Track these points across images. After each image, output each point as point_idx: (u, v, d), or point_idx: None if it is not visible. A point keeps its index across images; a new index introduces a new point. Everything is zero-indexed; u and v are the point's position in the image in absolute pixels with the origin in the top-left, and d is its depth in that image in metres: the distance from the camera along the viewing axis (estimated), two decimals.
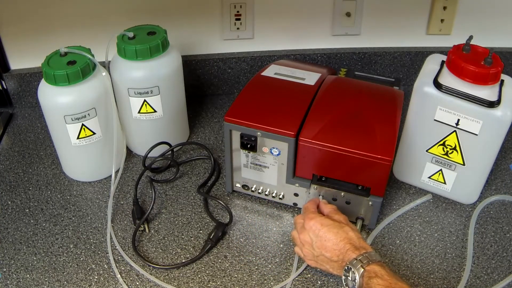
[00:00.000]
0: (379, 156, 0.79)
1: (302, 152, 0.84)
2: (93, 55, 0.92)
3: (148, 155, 0.98)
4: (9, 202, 0.95)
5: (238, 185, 0.95)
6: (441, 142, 0.88)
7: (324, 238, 0.76)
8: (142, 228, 0.89)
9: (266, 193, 0.93)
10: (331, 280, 0.81)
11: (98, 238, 0.88)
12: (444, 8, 1.15)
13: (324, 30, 1.20)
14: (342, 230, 0.76)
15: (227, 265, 0.84)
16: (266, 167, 0.90)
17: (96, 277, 0.82)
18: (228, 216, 0.90)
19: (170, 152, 1.01)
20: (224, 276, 0.82)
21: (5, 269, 0.83)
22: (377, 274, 0.69)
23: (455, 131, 0.86)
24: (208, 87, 1.24)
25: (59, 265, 0.84)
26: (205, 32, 1.18)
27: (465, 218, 0.92)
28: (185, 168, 1.03)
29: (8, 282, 0.81)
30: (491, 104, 0.80)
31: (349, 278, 0.72)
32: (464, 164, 0.89)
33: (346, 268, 0.73)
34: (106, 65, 0.97)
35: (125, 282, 0.81)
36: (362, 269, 0.71)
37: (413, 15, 1.18)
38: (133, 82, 0.94)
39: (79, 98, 0.89)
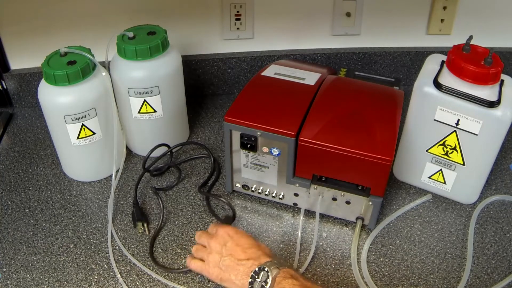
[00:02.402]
0: (379, 156, 0.79)
1: (302, 152, 0.84)
2: (93, 55, 0.92)
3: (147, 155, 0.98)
4: (9, 202, 0.95)
5: (238, 185, 0.95)
6: (441, 142, 0.88)
7: (238, 240, 0.75)
8: (141, 230, 0.89)
9: (266, 193, 0.93)
10: (331, 280, 0.81)
11: (98, 238, 0.88)
12: (444, 8, 1.16)
13: (324, 30, 1.20)
14: (255, 240, 0.76)
15: None
16: (266, 167, 0.89)
17: (96, 277, 0.82)
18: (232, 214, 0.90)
19: (169, 153, 1.01)
20: None
21: (5, 269, 0.83)
22: (292, 276, 0.67)
23: (455, 131, 0.86)
24: (208, 87, 1.24)
25: (59, 265, 0.84)
26: (205, 32, 1.18)
27: (465, 218, 0.92)
28: (185, 168, 1.03)
29: (8, 282, 0.81)
30: (491, 104, 0.80)
31: (258, 280, 0.68)
32: (464, 164, 0.89)
33: (256, 270, 0.69)
34: (106, 65, 0.97)
35: (125, 282, 0.81)
36: (277, 270, 0.68)
37: (413, 15, 1.18)
38: (133, 82, 0.94)
39: (79, 98, 0.89)
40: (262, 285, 0.68)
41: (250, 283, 0.69)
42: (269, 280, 0.67)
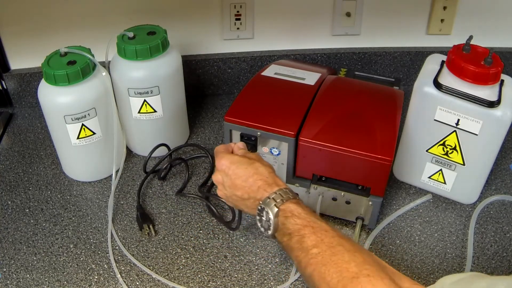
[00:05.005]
0: (379, 156, 0.79)
1: (302, 152, 0.84)
2: (93, 55, 0.92)
3: (146, 156, 0.98)
4: (9, 202, 0.95)
5: None
6: (441, 142, 0.89)
7: (234, 176, 0.72)
8: (147, 231, 0.89)
9: None
10: None
11: (98, 238, 0.88)
12: (444, 8, 1.16)
13: (324, 30, 1.20)
14: (251, 166, 0.72)
15: (227, 265, 0.84)
16: None
17: (96, 277, 0.82)
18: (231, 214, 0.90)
19: (169, 155, 1.01)
20: (224, 276, 0.82)
21: (5, 269, 0.83)
22: (293, 213, 0.65)
23: (455, 131, 0.86)
24: (208, 87, 1.24)
25: (59, 265, 0.84)
26: (205, 32, 1.18)
27: (465, 218, 0.92)
28: (184, 168, 1.03)
29: (8, 282, 0.81)
30: (491, 104, 0.80)
31: (264, 218, 0.67)
32: (464, 164, 0.89)
33: (259, 208, 0.68)
34: (106, 65, 0.97)
35: (125, 282, 0.81)
36: (276, 209, 0.66)
37: (413, 15, 1.18)
38: (133, 82, 0.94)
39: (79, 98, 0.89)
40: (268, 224, 0.67)
41: (259, 220, 0.69)
42: (271, 223, 0.66)
